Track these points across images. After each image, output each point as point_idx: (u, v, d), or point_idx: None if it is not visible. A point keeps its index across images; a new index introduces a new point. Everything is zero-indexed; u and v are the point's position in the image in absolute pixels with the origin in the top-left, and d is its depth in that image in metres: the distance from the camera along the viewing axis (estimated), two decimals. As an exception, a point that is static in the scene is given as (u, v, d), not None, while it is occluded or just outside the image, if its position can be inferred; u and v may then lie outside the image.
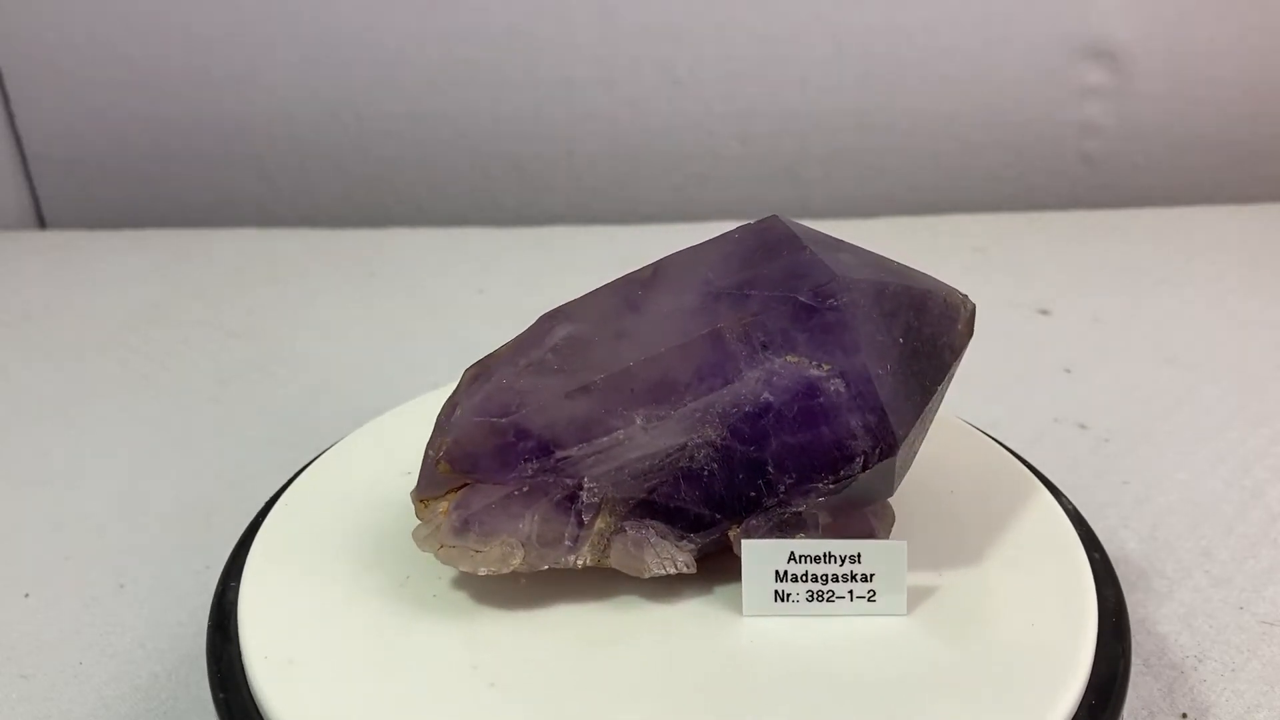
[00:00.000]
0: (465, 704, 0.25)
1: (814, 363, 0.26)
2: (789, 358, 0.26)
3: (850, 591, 0.27)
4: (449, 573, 0.29)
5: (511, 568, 0.27)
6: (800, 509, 0.27)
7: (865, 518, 0.28)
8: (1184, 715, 0.31)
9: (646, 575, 0.27)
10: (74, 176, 0.81)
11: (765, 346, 0.27)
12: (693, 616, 0.28)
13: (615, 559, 0.28)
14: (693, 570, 0.27)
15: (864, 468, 0.26)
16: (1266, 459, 0.44)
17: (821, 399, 0.26)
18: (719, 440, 0.27)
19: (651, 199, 0.80)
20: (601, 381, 0.27)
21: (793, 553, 0.27)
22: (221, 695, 0.26)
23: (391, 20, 0.75)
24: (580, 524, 0.27)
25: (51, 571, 0.39)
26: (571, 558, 0.27)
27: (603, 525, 0.27)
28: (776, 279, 0.27)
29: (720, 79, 0.76)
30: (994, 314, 0.59)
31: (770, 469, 0.27)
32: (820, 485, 0.27)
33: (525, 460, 0.27)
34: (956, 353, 0.28)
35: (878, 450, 0.26)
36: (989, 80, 0.76)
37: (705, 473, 0.27)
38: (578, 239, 0.74)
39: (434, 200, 0.80)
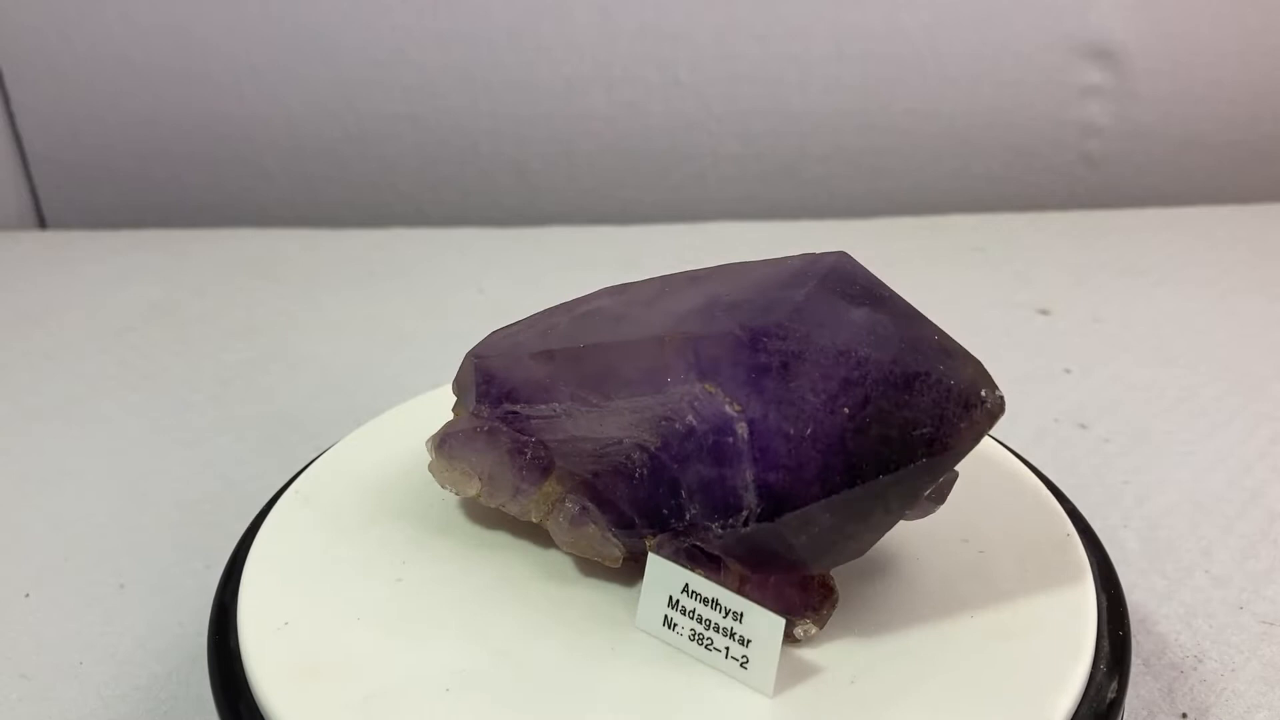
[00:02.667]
0: (464, 703, 0.25)
1: (729, 399, 0.25)
2: (708, 386, 0.25)
3: (727, 648, 0.25)
4: (448, 573, 0.29)
5: (469, 495, 0.30)
6: (704, 544, 0.26)
7: (782, 586, 0.26)
8: (1184, 715, 0.31)
9: (569, 552, 0.29)
10: (74, 176, 0.81)
11: (694, 368, 0.25)
12: (595, 607, 0.28)
13: (550, 525, 0.29)
14: (616, 565, 0.28)
15: (745, 524, 0.25)
16: (1266, 459, 0.44)
17: (730, 439, 0.25)
18: (651, 446, 0.26)
19: (651, 199, 0.80)
20: (559, 354, 0.28)
21: (688, 584, 0.26)
22: (222, 695, 0.26)
23: (391, 20, 0.75)
24: (523, 477, 0.29)
25: (51, 571, 0.39)
26: (517, 509, 0.29)
27: (550, 490, 0.29)
28: (753, 309, 0.26)
29: (720, 79, 0.76)
30: (994, 314, 0.59)
31: (683, 492, 0.26)
32: (713, 527, 0.25)
33: (490, 403, 0.29)
34: (943, 450, 0.24)
35: (760, 511, 0.24)
36: (989, 80, 0.76)
37: (636, 475, 0.27)
38: (578, 239, 0.74)
39: (434, 200, 0.80)
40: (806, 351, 0.24)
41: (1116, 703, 0.25)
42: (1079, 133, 0.78)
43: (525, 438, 0.29)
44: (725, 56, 0.76)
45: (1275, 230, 0.71)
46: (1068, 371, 0.52)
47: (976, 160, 0.79)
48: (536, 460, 0.29)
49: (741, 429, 0.24)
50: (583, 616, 0.28)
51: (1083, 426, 0.47)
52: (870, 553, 0.27)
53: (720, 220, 0.77)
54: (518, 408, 0.29)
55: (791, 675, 0.25)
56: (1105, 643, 0.27)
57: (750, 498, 0.25)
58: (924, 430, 0.24)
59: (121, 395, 0.53)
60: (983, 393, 0.24)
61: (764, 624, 0.25)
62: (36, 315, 0.63)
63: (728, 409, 0.25)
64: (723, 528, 0.25)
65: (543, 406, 0.28)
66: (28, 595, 0.38)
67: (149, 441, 0.48)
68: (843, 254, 0.27)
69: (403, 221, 0.80)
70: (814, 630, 0.26)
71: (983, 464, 0.34)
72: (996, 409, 0.24)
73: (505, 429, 0.29)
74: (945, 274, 0.65)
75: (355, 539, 0.31)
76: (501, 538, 0.31)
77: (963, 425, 0.24)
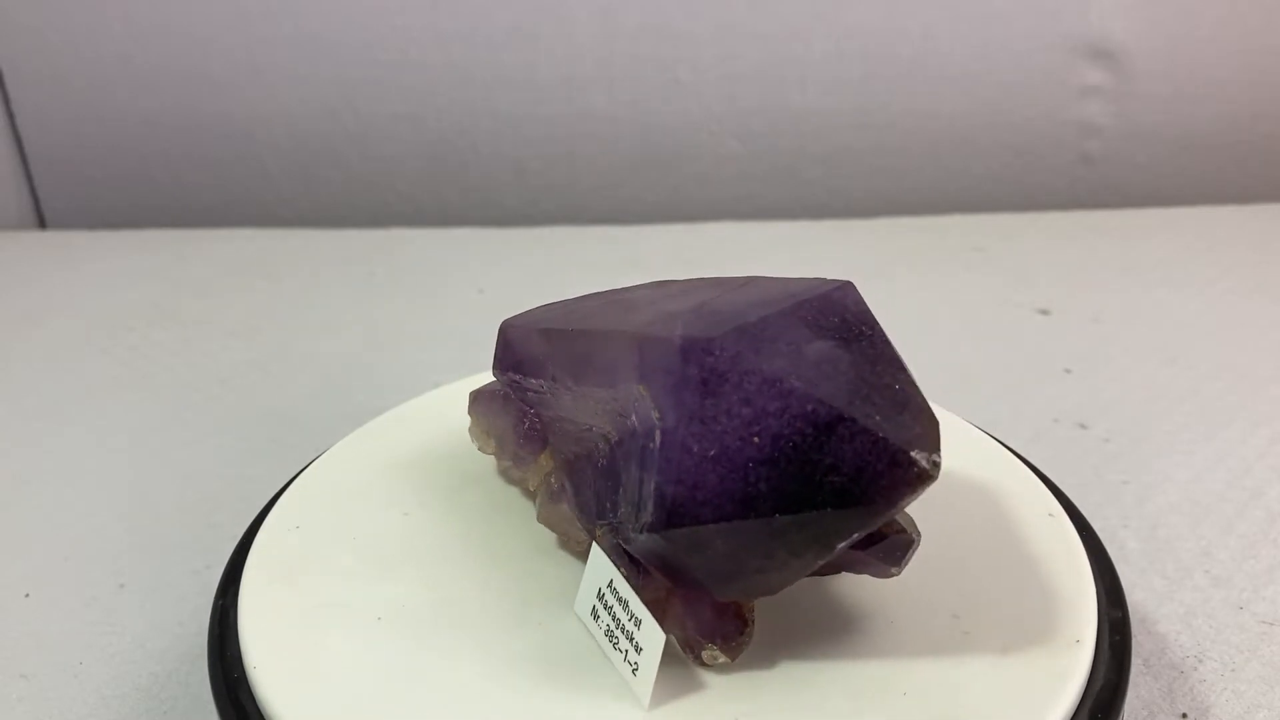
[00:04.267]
0: (463, 703, 0.25)
1: (655, 405, 0.24)
2: (642, 389, 0.25)
3: (626, 651, 0.25)
4: (448, 572, 0.29)
5: (488, 453, 0.32)
6: (627, 544, 0.25)
7: (701, 606, 0.25)
8: (1184, 715, 0.31)
9: (545, 526, 0.30)
10: (74, 176, 0.81)
11: (637, 369, 0.25)
12: (553, 583, 0.29)
13: (538, 495, 0.30)
14: (581, 548, 0.29)
15: (642, 531, 0.24)
16: (1266, 459, 0.44)
17: (651, 445, 0.24)
18: (612, 439, 0.26)
19: (651, 199, 0.80)
20: (556, 334, 0.29)
21: (611, 580, 0.26)
22: (222, 695, 0.26)
23: (391, 20, 0.75)
24: (521, 445, 0.31)
25: (51, 571, 0.39)
26: (519, 475, 0.31)
27: (544, 462, 0.30)
28: (704, 322, 0.25)
29: (720, 79, 0.76)
30: (994, 314, 0.59)
31: (620, 489, 0.26)
32: (630, 529, 0.25)
33: (503, 369, 0.31)
34: (854, 502, 0.23)
35: (653, 521, 0.23)
36: (989, 80, 0.76)
37: (600, 464, 0.27)
38: (578, 239, 0.74)
39: (434, 200, 0.80)
40: (732, 372, 0.23)
41: (1116, 703, 0.25)
42: (1079, 133, 0.78)
43: (526, 408, 0.31)
44: (725, 56, 0.76)
45: (1275, 230, 0.71)
46: (1068, 371, 0.52)
47: (976, 160, 0.79)
48: (534, 431, 0.30)
49: (655, 437, 0.24)
50: (538, 589, 0.29)
51: (1083, 426, 0.47)
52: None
53: (720, 220, 0.77)
54: (519, 378, 0.30)
55: (682, 695, 0.25)
56: (1105, 643, 0.27)
57: (646, 509, 0.24)
58: (835, 478, 0.23)
59: (121, 395, 0.53)
60: (915, 454, 0.23)
61: (652, 636, 0.24)
62: (36, 315, 0.63)
63: (653, 414, 0.24)
64: (634, 531, 0.25)
65: (535, 381, 0.29)
66: (28, 595, 0.38)
67: (149, 441, 0.48)
68: (847, 284, 0.26)
69: (403, 221, 0.80)
70: (721, 658, 0.25)
71: (983, 463, 0.34)
72: (926, 475, 0.23)
73: (515, 397, 0.31)
74: (945, 274, 0.65)
75: (357, 539, 0.31)
76: (502, 537, 0.31)
77: (883, 482, 0.23)
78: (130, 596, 0.38)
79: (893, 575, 0.25)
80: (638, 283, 0.32)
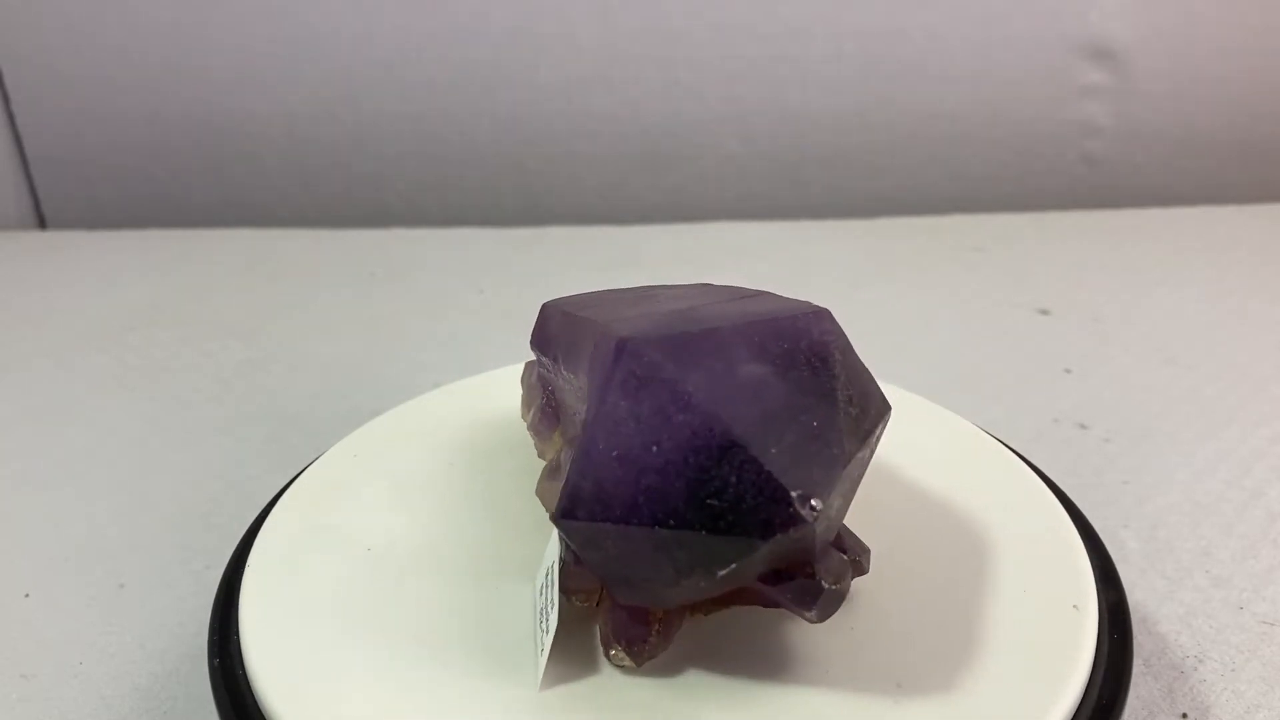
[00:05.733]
0: (461, 703, 0.25)
1: (589, 399, 0.24)
2: (584, 380, 0.25)
3: (543, 631, 0.26)
4: (448, 573, 0.29)
5: (525, 422, 0.33)
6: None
7: (619, 606, 0.25)
8: (1184, 715, 0.31)
9: (537, 496, 0.30)
10: (74, 176, 0.81)
11: (589, 361, 0.26)
12: (522, 562, 0.30)
13: (542, 469, 0.31)
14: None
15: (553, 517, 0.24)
16: (1266, 459, 0.44)
17: (581, 436, 0.24)
18: (586, 424, 0.26)
19: (652, 199, 0.80)
20: (567, 317, 0.30)
21: (552, 564, 0.26)
22: (222, 695, 0.26)
23: (391, 20, 0.75)
24: (542, 419, 0.32)
25: (51, 571, 0.39)
26: (540, 447, 0.32)
27: (557, 440, 0.31)
28: (654, 326, 0.25)
29: (720, 79, 0.76)
30: (994, 314, 0.59)
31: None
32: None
33: (538, 346, 0.32)
34: (729, 528, 0.22)
35: (560, 509, 0.24)
36: (989, 80, 0.76)
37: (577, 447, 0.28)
38: (578, 239, 0.74)
39: (434, 200, 0.81)
40: (652, 380, 0.23)
41: (1117, 703, 0.25)
42: (1079, 133, 0.78)
43: (547, 386, 0.32)
44: (725, 56, 0.76)
45: (1275, 230, 0.71)
46: (1068, 371, 0.52)
47: (976, 160, 0.79)
48: (549, 409, 0.31)
49: (584, 430, 0.24)
50: (517, 563, 0.29)
51: (1083, 426, 0.47)
52: (872, 550, 0.27)
53: (720, 220, 0.77)
54: (540, 356, 0.32)
55: (588, 687, 0.25)
56: (1105, 643, 0.27)
57: (563, 498, 0.24)
58: (715, 503, 0.22)
59: (121, 395, 0.53)
60: (796, 495, 0.22)
61: (551, 624, 0.25)
62: (36, 315, 0.63)
63: (582, 407, 0.25)
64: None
65: (546, 360, 0.31)
66: (28, 595, 0.38)
67: (149, 441, 0.48)
68: (820, 313, 0.26)
69: (403, 221, 0.80)
70: (626, 661, 0.25)
71: (984, 462, 0.34)
72: (799, 519, 0.22)
73: (549, 376, 0.32)
74: (945, 274, 0.65)
75: (356, 538, 0.31)
76: (507, 538, 0.31)
77: (758, 516, 0.22)
78: (130, 596, 0.38)
79: (810, 620, 0.24)
80: (637, 283, 0.33)
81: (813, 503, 0.22)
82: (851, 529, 0.27)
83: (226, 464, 0.46)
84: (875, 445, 0.25)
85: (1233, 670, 0.32)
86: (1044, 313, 0.59)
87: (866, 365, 0.27)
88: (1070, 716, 0.24)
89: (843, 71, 0.76)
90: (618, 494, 0.23)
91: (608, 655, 0.25)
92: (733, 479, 0.22)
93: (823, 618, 0.24)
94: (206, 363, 0.56)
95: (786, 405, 0.23)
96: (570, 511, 0.23)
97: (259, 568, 0.29)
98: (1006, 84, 0.76)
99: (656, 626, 0.25)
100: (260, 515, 0.32)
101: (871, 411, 0.25)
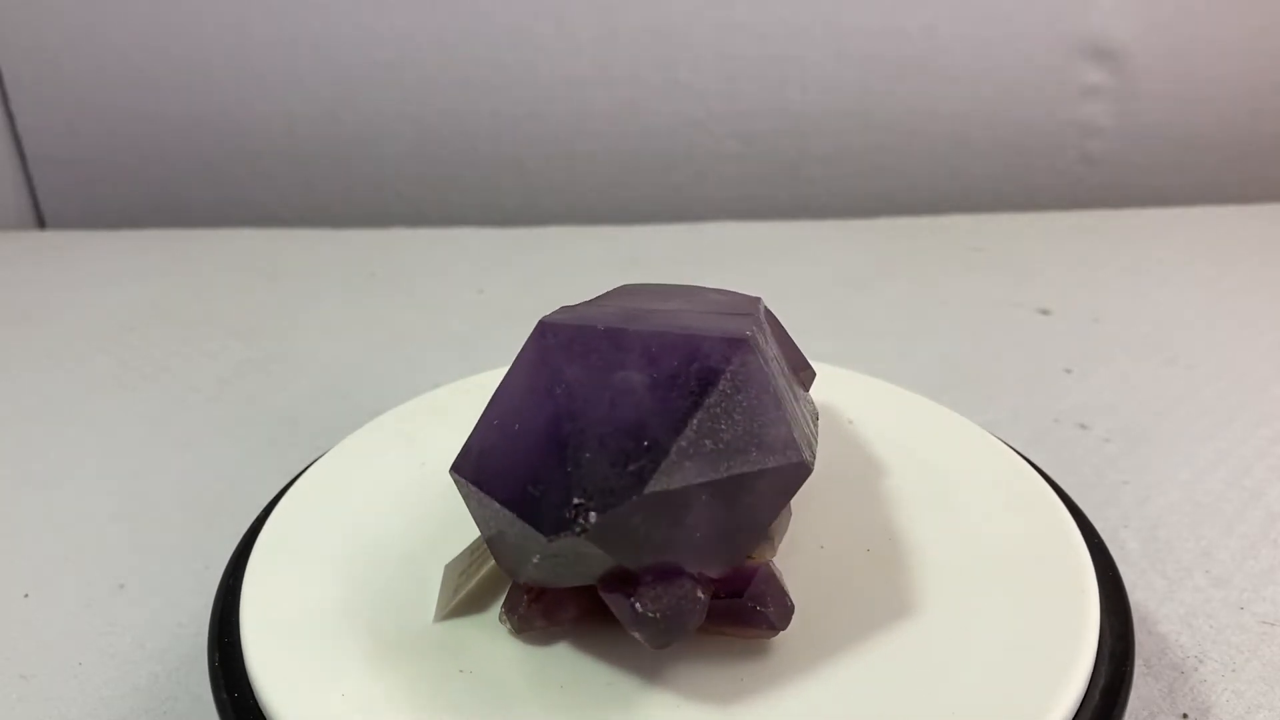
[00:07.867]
0: (461, 703, 0.25)
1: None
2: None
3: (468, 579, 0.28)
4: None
5: None
6: None
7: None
8: (1184, 715, 0.31)
9: None
10: (74, 176, 0.81)
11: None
12: None
13: None
14: None
15: None
16: (1266, 459, 0.44)
17: None
18: None
19: (651, 199, 0.80)
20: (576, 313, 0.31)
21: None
22: (222, 695, 0.26)
23: (391, 20, 0.75)
24: None
25: (51, 571, 0.39)
26: None
27: None
28: (605, 316, 0.26)
29: (720, 79, 0.76)
30: (994, 314, 0.59)
31: None
32: None
33: None
34: (526, 519, 0.23)
35: (453, 464, 0.26)
36: (989, 80, 0.76)
37: None
38: (578, 239, 0.74)
39: (434, 200, 0.81)
40: (541, 364, 0.25)
41: (1117, 703, 0.25)
42: (1079, 133, 0.78)
43: None
44: (725, 56, 0.76)
45: (1275, 230, 0.71)
46: (1068, 371, 0.52)
47: (976, 160, 0.79)
48: None
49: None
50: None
51: (1083, 426, 0.47)
52: (873, 549, 0.27)
53: (720, 220, 0.77)
54: None
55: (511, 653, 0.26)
56: (1106, 643, 0.27)
57: (461, 449, 0.26)
58: (534, 491, 0.23)
59: (121, 395, 0.53)
60: (577, 501, 0.22)
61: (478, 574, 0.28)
62: (36, 315, 0.63)
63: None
64: None
65: None
66: (27, 595, 0.38)
67: (149, 441, 0.48)
68: (739, 342, 0.25)
69: (403, 221, 0.80)
70: (506, 625, 0.26)
71: (984, 462, 0.34)
72: (565, 525, 0.22)
73: None
74: (945, 274, 0.65)
75: (358, 540, 0.31)
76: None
77: (543, 513, 0.23)
78: (130, 596, 0.37)
79: (657, 648, 0.24)
80: (638, 283, 0.33)
81: (583, 520, 0.22)
82: (851, 529, 0.27)
83: (226, 464, 0.46)
84: (758, 486, 0.24)
85: (1233, 670, 0.32)
86: (1044, 313, 0.59)
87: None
88: (1071, 716, 0.24)
89: (843, 71, 0.76)
90: (485, 462, 0.24)
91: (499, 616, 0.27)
92: (544, 476, 0.23)
93: (651, 643, 0.24)
94: (206, 363, 0.56)
95: (637, 417, 0.23)
96: (458, 466, 0.25)
97: (259, 568, 0.29)
98: (1006, 84, 0.76)
99: (528, 599, 0.26)
100: (260, 515, 0.32)
101: (750, 454, 0.23)
